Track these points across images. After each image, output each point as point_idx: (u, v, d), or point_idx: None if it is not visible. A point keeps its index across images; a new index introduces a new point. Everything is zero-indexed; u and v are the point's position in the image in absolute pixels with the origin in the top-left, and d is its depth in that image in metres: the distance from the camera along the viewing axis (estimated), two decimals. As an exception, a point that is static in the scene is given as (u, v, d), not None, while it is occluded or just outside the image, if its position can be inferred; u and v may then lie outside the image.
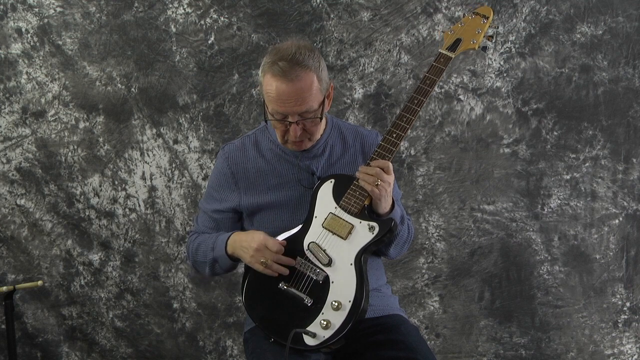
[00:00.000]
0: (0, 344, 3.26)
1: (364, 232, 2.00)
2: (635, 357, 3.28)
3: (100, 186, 3.30)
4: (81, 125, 3.27)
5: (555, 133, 3.20)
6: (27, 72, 3.24)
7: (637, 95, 3.17)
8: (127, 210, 3.31)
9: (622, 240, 3.24)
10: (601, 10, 3.13)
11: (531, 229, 3.24)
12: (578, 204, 3.22)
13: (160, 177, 3.29)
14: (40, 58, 3.23)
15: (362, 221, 2.01)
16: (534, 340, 3.28)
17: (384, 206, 2.03)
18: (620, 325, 3.27)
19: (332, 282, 1.99)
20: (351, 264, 1.98)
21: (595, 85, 3.16)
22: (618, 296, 3.26)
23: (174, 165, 3.28)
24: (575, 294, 3.26)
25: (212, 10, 3.19)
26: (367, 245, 1.99)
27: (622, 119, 3.18)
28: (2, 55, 3.24)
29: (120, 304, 3.35)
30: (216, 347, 3.36)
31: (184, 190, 3.29)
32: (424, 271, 3.28)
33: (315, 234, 2.04)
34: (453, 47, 2.13)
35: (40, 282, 2.83)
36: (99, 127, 3.27)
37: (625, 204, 3.22)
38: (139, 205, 3.31)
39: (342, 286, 1.97)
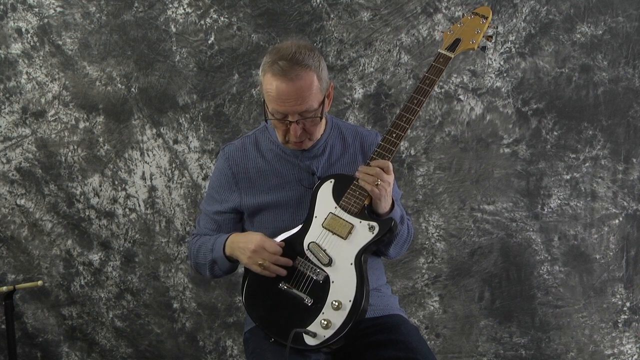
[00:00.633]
0: (0, 344, 3.25)
1: (364, 232, 2.00)
2: (635, 357, 3.28)
3: (100, 186, 3.30)
4: (81, 125, 3.27)
5: (555, 133, 3.20)
6: (27, 72, 3.24)
7: (637, 95, 3.17)
8: (127, 210, 3.31)
9: (622, 240, 3.24)
10: (601, 10, 3.13)
11: (531, 229, 3.24)
12: (578, 204, 3.22)
13: (160, 177, 3.29)
14: (40, 58, 3.23)
15: (362, 221, 2.01)
16: (534, 340, 3.27)
17: (384, 206, 2.03)
18: (620, 325, 3.27)
19: (333, 282, 1.99)
20: (351, 264, 1.98)
21: (595, 85, 3.16)
22: (618, 296, 3.26)
23: (174, 165, 3.28)
24: (575, 294, 3.26)
25: (212, 10, 3.19)
26: (367, 245, 1.99)
27: (622, 119, 3.18)
28: (2, 55, 3.24)
29: (120, 304, 3.35)
30: (216, 347, 3.36)
31: (184, 190, 3.29)
32: (424, 271, 3.28)
33: (315, 233, 2.04)
34: (452, 47, 2.14)
35: (40, 282, 2.83)
36: (99, 127, 3.27)
37: (625, 204, 3.22)
38: (139, 205, 3.31)
39: (342, 286, 1.97)
